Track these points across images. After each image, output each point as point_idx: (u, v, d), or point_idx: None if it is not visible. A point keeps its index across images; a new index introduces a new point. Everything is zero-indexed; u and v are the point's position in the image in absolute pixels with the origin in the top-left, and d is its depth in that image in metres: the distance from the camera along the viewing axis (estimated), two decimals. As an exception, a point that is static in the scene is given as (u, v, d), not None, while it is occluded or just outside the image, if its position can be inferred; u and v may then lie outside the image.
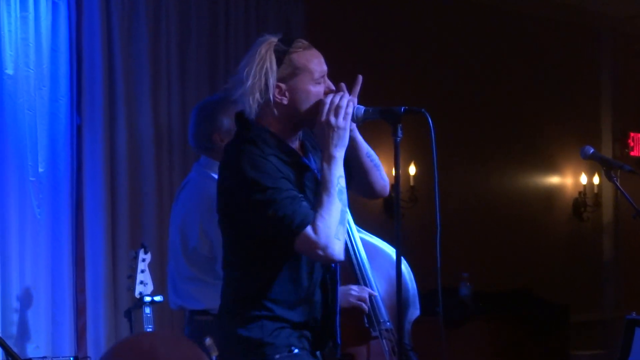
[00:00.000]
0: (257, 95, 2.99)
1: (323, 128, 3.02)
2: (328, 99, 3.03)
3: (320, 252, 2.93)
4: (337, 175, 3.00)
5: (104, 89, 5.78)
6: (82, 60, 5.75)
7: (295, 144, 3.11)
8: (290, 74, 3.02)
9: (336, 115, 3.02)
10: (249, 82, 2.98)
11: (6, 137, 5.41)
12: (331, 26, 7.19)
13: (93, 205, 5.73)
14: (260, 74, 2.98)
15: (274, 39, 3.05)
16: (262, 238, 3.00)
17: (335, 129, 3.01)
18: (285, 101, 3.03)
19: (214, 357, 3.79)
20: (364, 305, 3.77)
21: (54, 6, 5.62)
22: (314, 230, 2.92)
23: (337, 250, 2.95)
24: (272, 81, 2.99)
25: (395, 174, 3.09)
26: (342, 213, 2.99)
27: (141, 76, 5.98)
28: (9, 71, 5.41)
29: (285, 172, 3.01)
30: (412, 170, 7.50)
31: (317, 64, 3.06)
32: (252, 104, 2.99)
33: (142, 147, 5.98)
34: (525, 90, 8.59)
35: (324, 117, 3.01)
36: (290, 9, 6.77)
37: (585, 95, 9.21)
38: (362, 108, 3.10)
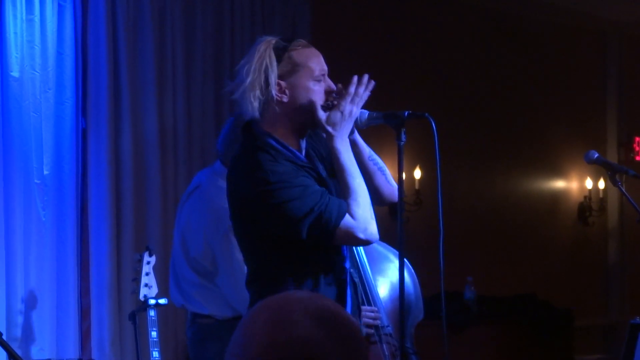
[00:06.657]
0: (257, 92, 2.99)
1: (337, 115, 3.04)
2: (352, 89, 3.06)
3: (362, 236, 3.00)
4: (354, 160, 3.08)
5: (109, 92, 5.78)
6: (88, 63, 5.76)
7: (302, 150, 3.11)
8: (289, 71, 3.03)
9: (356, 104, 3.06)
10: (249, 79, 2.99)
11: (11, 140, 5.41)
12: (337, 28, 7.20)
13: (98, 208, 5.73)
14: (260, 70, 2.99)
15: (272, 39, 3.06)
16: (289, 240, 2.99)
17: (350, 117, 3.05)
18: (285, 99, 3.03)
19: None
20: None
21: (60, 9, 5.63)
22: (353, 216, 2.97)
23: (375, 230, 3.04)
24: (272, 78, 2.99)
25: (399, 177, 3.10)
26: (369, 194, 3.06)
27: (146, 79, 5.98)
28: (15, 73, 5.42)
29: (302, 173, 3.03)
30: (417, 174, 7.50)
31: (316, 62, 3.07)
32: (252, 101, 2.99)
33: (147, 150, 5.98)
34: (531, 94, 8.58)
35: (346, 106, 3.04)
36: (296, 11, 6.77)
37: (591, 100, 9.20)
38: (365, 112, 3.11)
